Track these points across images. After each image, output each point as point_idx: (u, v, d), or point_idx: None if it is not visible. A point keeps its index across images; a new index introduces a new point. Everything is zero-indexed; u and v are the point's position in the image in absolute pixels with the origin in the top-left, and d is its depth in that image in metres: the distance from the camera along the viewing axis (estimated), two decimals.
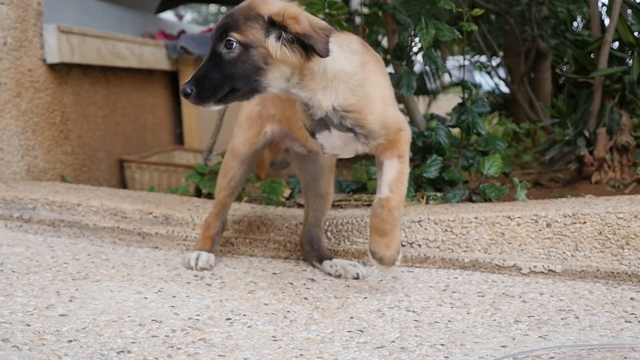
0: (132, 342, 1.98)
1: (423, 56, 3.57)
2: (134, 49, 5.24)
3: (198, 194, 3.90)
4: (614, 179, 3.92)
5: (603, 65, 3.99)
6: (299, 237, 2.97)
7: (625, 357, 1.93)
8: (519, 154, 5.58)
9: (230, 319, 2.23)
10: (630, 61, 4.04)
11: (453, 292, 2.57)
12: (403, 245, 2.92)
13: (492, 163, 3.41)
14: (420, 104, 8.09)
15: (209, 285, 2.58)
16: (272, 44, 2.14)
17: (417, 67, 7.71)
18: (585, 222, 2.78)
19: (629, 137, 3.89)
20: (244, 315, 2.26)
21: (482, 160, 3.45)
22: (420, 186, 3.52)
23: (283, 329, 2.16)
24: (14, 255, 2.81)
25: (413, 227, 2.93)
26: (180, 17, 8.88)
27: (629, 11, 4.46)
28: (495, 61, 6.67)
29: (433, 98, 8.66)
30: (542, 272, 2.73)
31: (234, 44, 2.15)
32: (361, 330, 2.16)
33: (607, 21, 4.23)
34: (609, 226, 2.75)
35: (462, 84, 3.56)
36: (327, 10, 3.44)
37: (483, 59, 6.82)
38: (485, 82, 9.36)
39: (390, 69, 3.75)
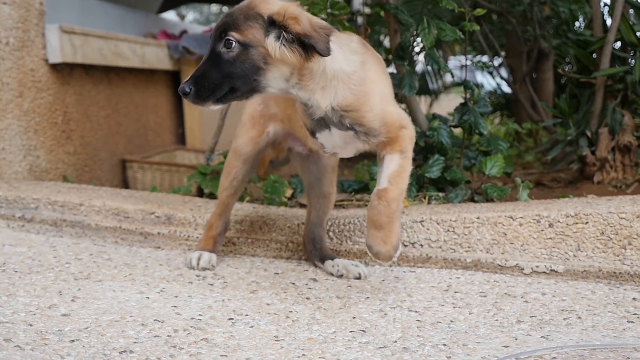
0: (135, 342, 1.98)
1: (425, 56, 3.56)
2: (136, 49, 5.24)
3: (200, 193, 3.90)
4: (616, 179, 3.91)
5: (605, 65, 3.99)
6: (302, 236, 2.98)
7: (628, 358, 1.93)
8: (521, 154, 5.57)
9: (232, 318, 2.23)
10: (633, 61, 4.04)
11: (455, 292, 2.57)
12: (405, 245, 2.92)
13: (494, 163, 3.41)
14: (422, 104, 8.08)
15: (211, 285, 2.58)
16: (272, 44, 2.13)
17: (419, 67, 7.70)
18: (587, 222, 2.78)
19: (631, 137, 3.89)
20: (246, 315, 2.27)
21: (484, 160, 3.44)
22: (422, 186, 3.51)
23: (285, 329, 2.16)
24: (16, 255, 2.81)
25: (415, 227, 2.93)
26: (182, 17, 8.88)
27: (631, 11, 4.46)
28: (497, 61, 6.67)
29: (435, 98, 8.66)
30: (544, 272, 2.73)
31: (233, 43, 2.15)
32: (363, 330, 2.16)
33: (609, 21, 4.22)
34: (611, 226, 2.75)
35: (465, 84, 3.56)
36: (329, 10, 3.44)
37: (485, 59, 6.81)
38: (487, 82, 9.35)
39: (393, 69, 3.75)
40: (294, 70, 2.18)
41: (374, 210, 2.28)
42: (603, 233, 2.75)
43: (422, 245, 2.91)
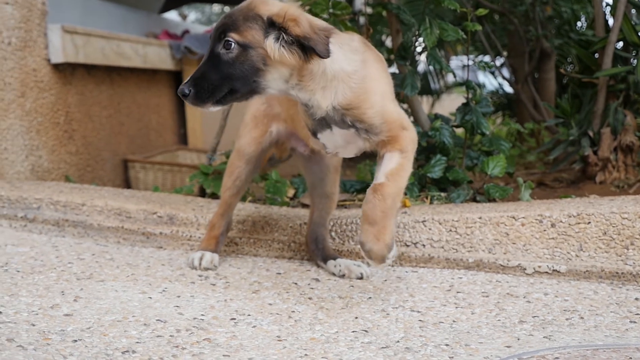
0: (137, 342, 1.99)
1: (427, 56, 3.56)
2: (138, 49, 5.24)
3: (202, 193, 3.90)
4: (618, 179, 3.91)
5: (607, 65, 3.99)
6: (304, 236, 2.98)
7: (630, 358, 1.93)
8: (523, 154, 5.57)
9: (234, 319, 2.23)
10: (635, 61, 4.04)
11: (457, 292, 2.57)
12: (407, 245, 2.92)
13: (496, 163, 3.41)
14: (424, 104, 8.08)
15: (214, 285, 2.58)
16: (271, 45, 2.12)
17: (421, 67, 7.70)
18: (589, 222, 2.77)
19: (633, 137, 3.88)
20: (249, 315, 2.27)
21: (486, 160, 3.44)
22: (425, 186, 3.51)
23: (288, 329, 2.16)
24: (18, 255, 2.81)
25: (417, 227, 2.93)
26: (184, 17, 8.88)
27: (633, 11, 4.46)
28: (499, 61, 6.67)
29: (437, 98, 8.66)
30: (546, 272, 2.73)
31: (233, 44, 2.14)
32: (366, 330, 2.16)
33: (611, 21, 4.22)
34: (613, 226, 2.75)
35: (467, 84, 3.56)
36: (331, 10, 3.44)
37: (487, 58, 6.81)
38: (489, 82, 9.35)
39: (395, 69, 3.75)
40: (294, 71, 2.18)
41: (369, 204, 2.23)
42: (605, 233, 2.75)
43: (424, 245, 2.91)
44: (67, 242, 3.10)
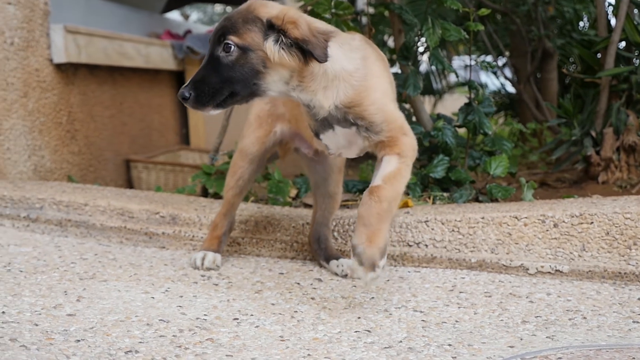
0: (140, 342, 1.99)
1: (429, 56, 3.56)
2: (140, 48, 5.25)
3: (204, 194, 3.90)
4: (621, 179, 3.91)
5: (610, 65, 3.98)
6: (306, 236, 2.98)
7: (634, 358, 1.93)
8: (525, 154, 5.57)
9: (237, 318, 2.23)
10: (637, 61, 4.04)
11: (460, 292, 2.57)
12: (410, 245, 2.92)
13: (499, 163, 3.41)
14: (426, 104, 8.08)
15: (216, 285, 2.58)
16: (270, 48, 2.12)
17: (423, 67, 7.70)
18: (592, 223, 2.77)
19: (635, 137, 3.88)
20: (252, 315, 2.27)
21: (488, 160, 3.44)
22: (427, 186, 3.51)
23: (290, 329, 2.16)
24: (21, 255, 2.82)
25: (420, 227, 2.93)
26: (186, 17, 8.88)
27: (636, 11, 4.46)
28: (501, 61, 6.66)
29: (439, 98, 8.65)
30: (549, 272, 2.73)
31: (232, 47, 2.14)
32: (368, 331, 2.16)
33: (613, 21, 4.22)
34: (616, 226, 2.75)
35: (469, 84, 3.56)
36: (333, 10, 3.44)
37: (489, 58, 6.81)
38: (491, 82, 9.35)
39: (397, 69, 3.75)
40: (294, 73, 2.17)
41: (364, 206, 2.20)
42: (608, 233, 2.75)
43: (426, 246, 2.91)
44: (70, 242, 3.11)
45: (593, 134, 4.02)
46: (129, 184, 5.09)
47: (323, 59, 2.11)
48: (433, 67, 6.84)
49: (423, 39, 3.51)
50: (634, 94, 4.05)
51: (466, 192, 3.37)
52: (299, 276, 2.74)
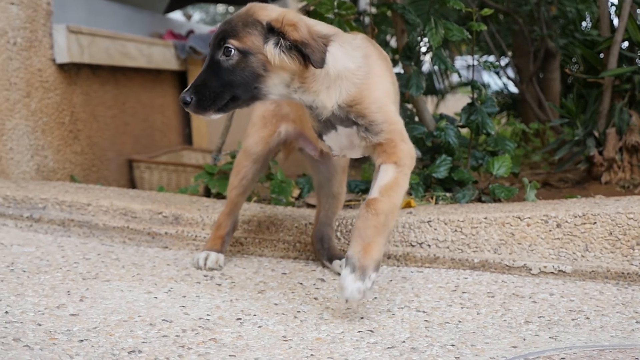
0: (143, 342, 1.99)
1: (432, 56, 3.56)
2: (143, 49, 5.25)
3: (207, 194, 3.90)
4: (624, 179, 3.91)
5: (612, 65, 3.98)
6: (309, 236, 2.98)
7: (637, 358, 1.93)
8: (528, 154, 5.57)
9: (240, 319, 2.23)
10: None
11: (463, 292, 2.56)
12: (412, 246, 2.92)
13: (502, 163, 3.41)
14: (429, 104, 8.08)
15: (219, 285, 2.58)
16: (271, 51, 2.11)
17: (426, 67, 7.70)
18: (595, 223, 2.77)
19: (638, 137, 3.88)
20: (254, 315, 2.27)
21: (491, 160, 3.44)
22: (430, 186, 3.51)
23: (293, 329, 2.16)
24: (24, 255, 2.82)
25: (423, 227, 2.93)
26: (188, 17, 8.89)
27: (639, 11, 4.45)
28: (503, 61, 6.66)
29: (441, 98, 8.65)
30: (552, 272, 2.73)
31: (232, 51, 2.13)
32: (371, 331, 2.16)
33: (616, 21, 4.22)
34: (619, 227, 2.74)
35: (472, 84, 3.56)
36: (336, 10, 3.44)
37: (492, 58, 6.81)
38: (494, 82, 9.35)
39: (400, 69, 3.75)
40: (295, 75, 2.16)
41: (361, 219, 2.19)
42: (611, 233, 2.75)
43: (429, 246, 2.91)
44: (73, 242, 3.11)
45: (596, 134, 4.01)
46: (132, 184, 5.10)
47: (320, 64, 2.10)
48: (436, 67, 6.86)
49: (426, 39, 3.51)
50: (636, 94, 4.05)
51: (469, 192, 3.37)
52: (301, 276, 2.74)
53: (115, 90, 4.99)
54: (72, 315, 2.16)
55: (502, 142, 3.60)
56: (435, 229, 2.92)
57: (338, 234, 2.99)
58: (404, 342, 2.07)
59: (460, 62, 8.90)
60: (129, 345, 1.96)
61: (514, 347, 2.04)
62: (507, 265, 2.78)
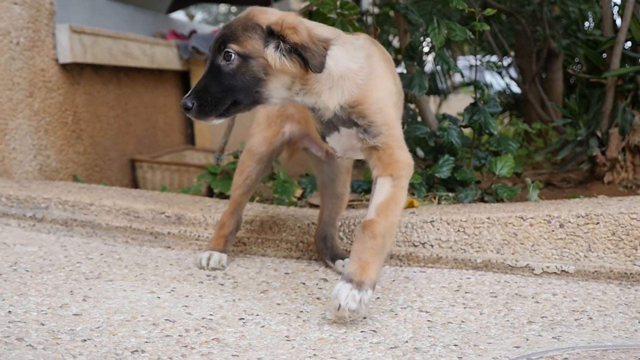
0: (146, 342, 1.99)
1: (435, 56, 3.56)
2: (145, 49, 5.25)
3: (210, 193, 3.91)
4: (627, 180, 3.90)
5: (615, 65, 3.98)
6: (312, 236, 2.98)
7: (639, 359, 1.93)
8: (531, 154, 5.56)
9: (243, 318, 2.23)
10: None
11: (466, 292, 2.56)
12: (415, 246, 2.92)
13: (504, 163, 3.41)
14: (431, 104, 8.08)
15: (222, 285, 2.59)
16: (271, 54, 2.10)
17: (428, 67, 7.69)
18: (598, 223, 2.77)
19: None
20: (257, 315, 2.27)
21: (494, 160, 3.44)
22: (432, 186, 3.51)
23: (296, 329, 2.16)
24: (27, 255, 2.82)
25: (425, 227, 2.93)
26: (191, 17, 8.89)
27: None
28: (506, 61, 6.66)
29: (444, 98, 8.65)
30: (555, 272, 2.73)
31: (233, 55, 2.12)
32: (374, 331, 2.16)
33: (619, 21, 4.21)
34: (622, 227, 2.74)
35: (475, 84, 3.56)
36: (339, 10, 3.44)
37: (494, 58, 6.80)
38: (497, 82, 9.34)
39: (402, 69, 3.75)
40: (296, 78, 2.15)
41: (358, 242, 2.18)
42: (614, 233, 2.75)
43: (432, 246, 2.91)
44: (76, 241, 3.11)
45: (599, 134, 4.01)
46: (134, 183, 5.10)
47: (319, 69, 2.09)
48: (438, 67, 6.84)
49: (428, 39, 3.51)
50: (639, 94, 4.04)
51: (472, 192, 3.37)
52: (304, 276, 2.74)
53: (117, 90, 4.99)
54: (75, 315, 2.17)
55: (504, 142, 3.60)
56: (438, 229, 2.92)
57: (341, 233, 3.00)
58: (406, 342, 2.07)
59: (462, 62, 8.89)
60: (132, 345, 1.97)
61: (517, 347, 2.04)
62: (509, 266, 2.78)
